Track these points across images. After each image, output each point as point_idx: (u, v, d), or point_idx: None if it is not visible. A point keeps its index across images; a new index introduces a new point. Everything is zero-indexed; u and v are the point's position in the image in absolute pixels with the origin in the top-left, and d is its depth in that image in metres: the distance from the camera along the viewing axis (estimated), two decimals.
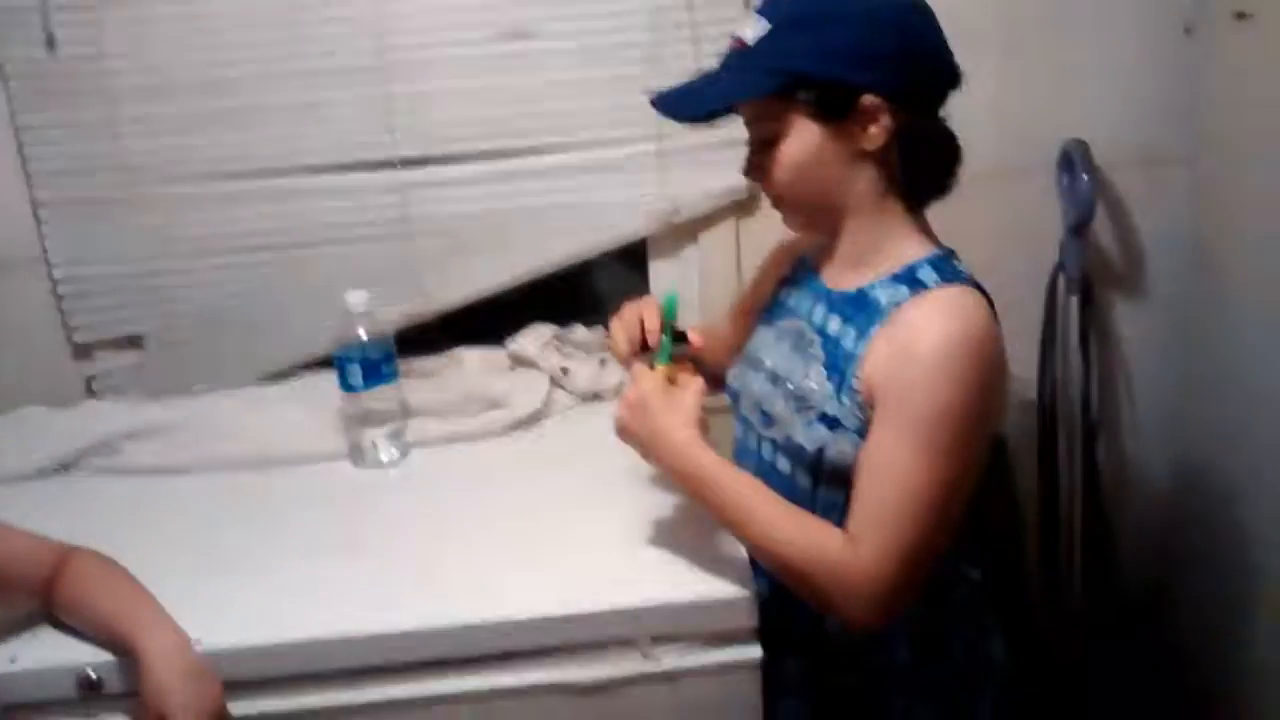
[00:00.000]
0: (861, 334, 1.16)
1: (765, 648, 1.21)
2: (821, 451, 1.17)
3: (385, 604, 1.24)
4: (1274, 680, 1.75)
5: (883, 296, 1.17)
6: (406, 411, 1.64)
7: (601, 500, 1.41)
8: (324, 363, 1.84)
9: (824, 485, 1.20)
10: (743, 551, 1.22)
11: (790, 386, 1.22)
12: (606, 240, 1.85)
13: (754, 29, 1.15)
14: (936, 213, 1.24)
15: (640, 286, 1.92)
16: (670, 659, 1.21)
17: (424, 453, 1.63)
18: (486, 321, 1.91)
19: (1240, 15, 1.71)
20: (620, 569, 1.26)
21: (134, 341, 1.87)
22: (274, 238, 1.83)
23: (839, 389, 1.17)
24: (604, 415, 1.24)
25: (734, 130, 1.25)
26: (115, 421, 1.70)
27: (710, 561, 1.25)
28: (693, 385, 1.21)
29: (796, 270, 1.34)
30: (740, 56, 1.17)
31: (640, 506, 1.34)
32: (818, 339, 1.22)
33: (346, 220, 1.83)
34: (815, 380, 1.20)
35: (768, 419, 1.25)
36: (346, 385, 1.56)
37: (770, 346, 1.30)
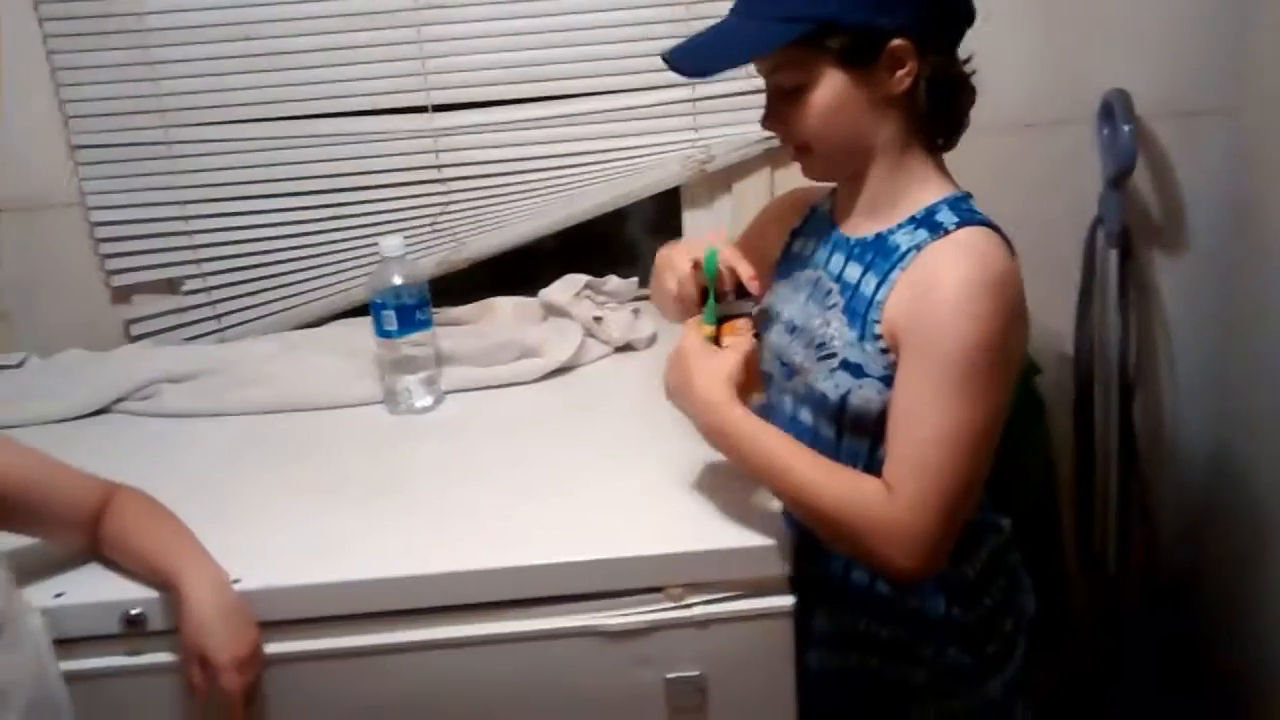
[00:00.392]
0: (882, 279, 1.15)
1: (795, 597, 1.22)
2: (845, 399, 1.17)
3: (418, 547, 1.25)
4: None
5: (902, 240, 1.15)
6: (440, 358, 1.65)
7: (634, 448, 1.41)
8: (359, 309, 1.86)
9: (848, 434, 1.19)
10: (775, 500, 1.22)
11: (810, 337, 1.22)
12: (640, 188, 1.84)
13: None
14: (976, 165, 1.22)
15: (673, 236, 1.91)
16: (701, 606, 1.21)
17: (458, 399, 1.64)
18: (519, 271, 1.92)
19: None
20: (653, 516, 1.27)
21: (171, 285, 1.89)
22: (308, 183, 1.83)
23: (861, 335, 1.16)
24: (637, 364, 1.24)
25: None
26: (153, 365, 1.72)
27: (743, 509, 1.25)
28: (739, 345, 1.20)
29: (809, 220, 1.33)
30: (755, 2, 1.14)
31: (673, 454, 1.35)
32: (836, 286, 1.21)
33: (380, 166, 1.83)
34: (835, 328, 1.19)
35: (789, 370, 1.25)
36: (382, 331, 1.57)
37: (787, 298, 1.28)
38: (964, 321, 1.08)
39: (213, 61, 1.78)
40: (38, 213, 1.85)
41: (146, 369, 1.71)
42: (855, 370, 1.16)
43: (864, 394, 1.16)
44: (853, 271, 1.20)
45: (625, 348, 1.75)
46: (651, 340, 1.75)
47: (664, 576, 1.21)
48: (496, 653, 1.22)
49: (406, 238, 1.58)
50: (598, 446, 1.43)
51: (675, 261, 1.24)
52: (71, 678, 1.16)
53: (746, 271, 1.20)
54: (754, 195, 1.86)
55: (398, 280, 1.55)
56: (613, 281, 1.81)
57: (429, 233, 1.85)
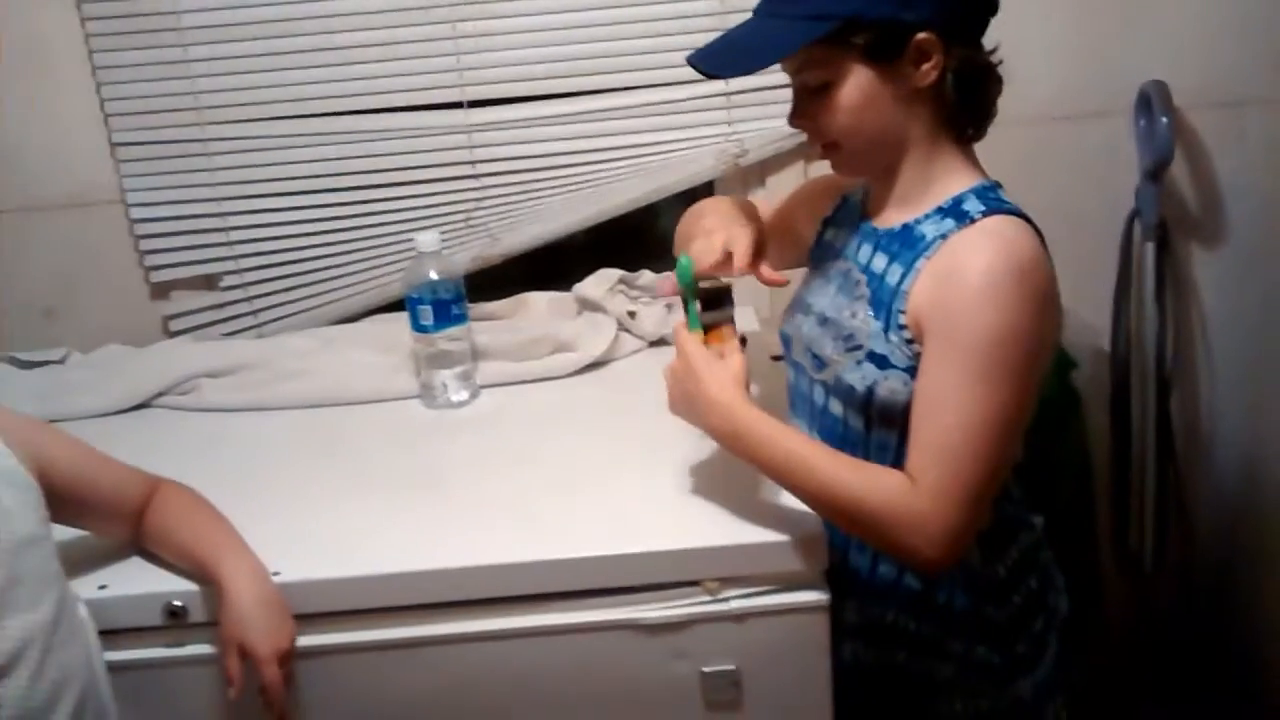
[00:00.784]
0: (907, 268, 1.15)
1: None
2: (871, 391, 1.17)
3: (454, 541, 1.26)
4: None
5: (929, 230, 1.15)
6: (476, 353, 1.66)
7: (669, 442, 1.41)
8: (394, 305, 1.87)
9: (876, 426, 1.19)
10: None
11: (838, 328, 1.22)
12: (674, 183, 1.85)
13: None
14: (1011, 157, 1.22)
15: None
16: (738, 600, 1.22)
17: (493, 393, 1.65)
18: (552, 266, 1.93)
19: None
20: (688, 510, 1.27)
21: (209, 281, 1.91)
22: (344, 179, 1.85)
23: (886, 326, 1.15)
24: (671, 359, 1.25)
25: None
26: (192, 360, 1.74)
27: (779, 503, 1.25)
28: (732, 350, 1.21)
29: (840, 211, 1.33)
30: (779, 1, 1.14)
31: (708, 448, 1.34)
32: (864, 278, 1.21)
33: (416, 162, 1.84)
34: (862, 319, 1.18)
35: (819, 362, 1.24)
36: (418, 326, 1.58)
37: (818, 289, 1.29)
38: (988, 309, 1.07)
39: (249, 59, 1.80)
40: (79, 210, 1.87)
41: (186, 364, 1.73)
42: (881, 361, 1.16)
43: (890, 385, 1.15)
44: (879, 262, 1.19)
45: (659, 342, 1.75)
46: None
47: (700, 570, 1.21)
48: (532, 646, 1.23)
49: (441, 233, 1.60)
50: (632, 440, 1.43)
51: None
52: (114, 668, 1.18)
53: (739, 260, 1.21)
54: (787, 189, 1.83)
55: (434, 275, 1.56)
56: (646, 276, 1.82)
57: (463, 228, 1.86)
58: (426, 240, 1.56)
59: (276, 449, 1.55)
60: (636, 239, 1.92)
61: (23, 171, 1.86)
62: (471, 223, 1.86)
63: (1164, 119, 1.75)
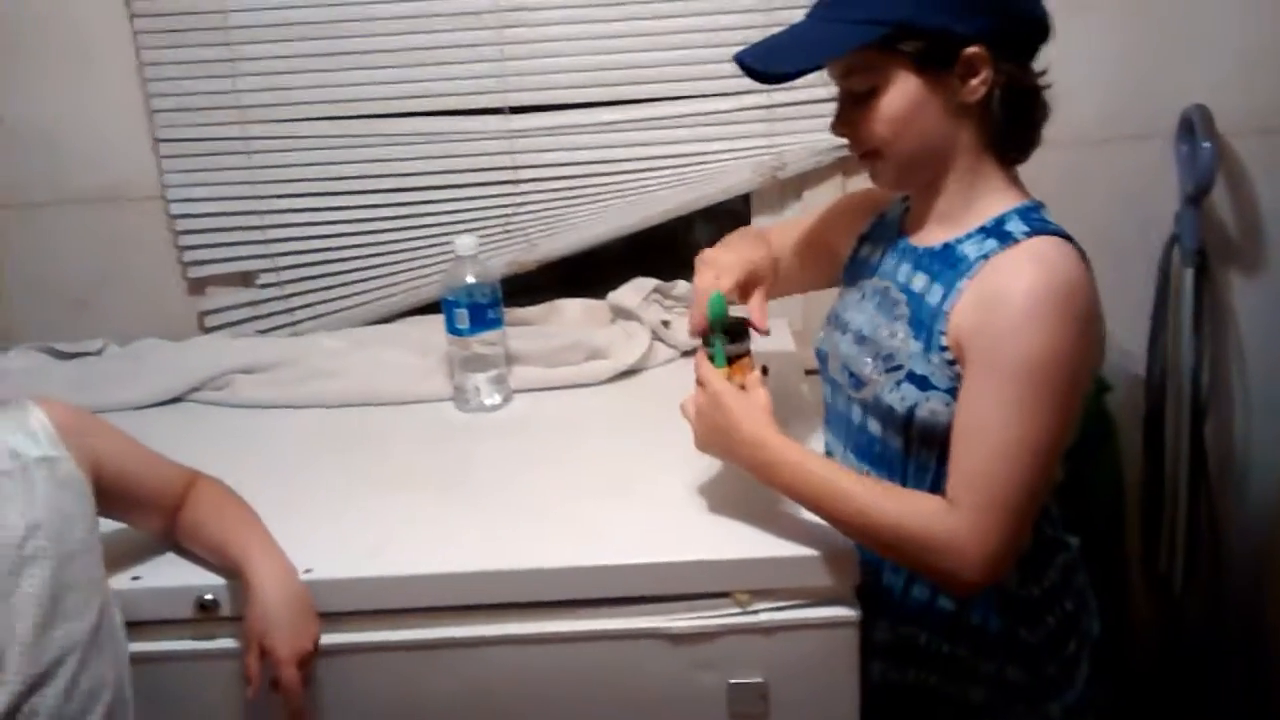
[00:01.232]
0: (949, 289, 1.14)
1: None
2: (912, 412, 1.16)
3: (484, 543, 1.26)
4: None
5: (970, 250, 1.14)
6: (510, 357, 1.66)
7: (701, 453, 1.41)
8: (428, 308, 1.88)
9: (916, 447, 1.18)
10: None
11: (877, 347, 1.21)
12: (711, 194, 1.85)
13: None
14: (1052, 179, 1.21)
15: None
16: (767, 613, 1.21)
17: (525, 398, 1.66)
18: (587, 273, 1.93)
19: None
20: (720, 520, 1.27)
21: (246, 279, 1.92)
22: (383, 181, 1.86)
23: (927, 346, 1.15)
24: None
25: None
26: (226, 356, 1.75)
27: (811, 518, 1.23)
28: (755, 382, 1.22)
29: (876, 227, 1.32)
30: (830, 6, 1.14)
31: None
32: (903, 297, 1.20)
33: (455, 166, 1.85)
34: (901, 339, 1.17)
35: (856, 381, 1.24)
36: (453, 328, 1.58)
37: (855, 307, 1.28)
38: (1030, 333, 1.06)
39: (293, 59, 1.81)
40: (119, 203, 1.89)
41: (221, 359, 1.74)
42: (921, 383, 1.15)
43: (931, 407, 1.14)
44: (919, 281, 1.18)
45: (693, 352, 1.75)
46: None
47: (730, 582, 1.21)
48: (558, 651, 1.23)
49: (479, 237, 1.60)
50: (664, 449, 1.42)
51: (698, 287, 1.28)
52: (142, 660, 1.18)
53: (759, 318, 1.24)
54: (824, 203, 1.84)
55: (471, 279, 1.56)
56: (681, 286, 1.82)
57: (501, 233, 1.87)
58: (465, 244, 1.57)
59: (309, 447, 1.55)
60: (672, 249, 1.92)
61: (65, 164, 1.87)
62: (509, 228, 1.87)
63: (1206, 144, 1.74)
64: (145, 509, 1.23)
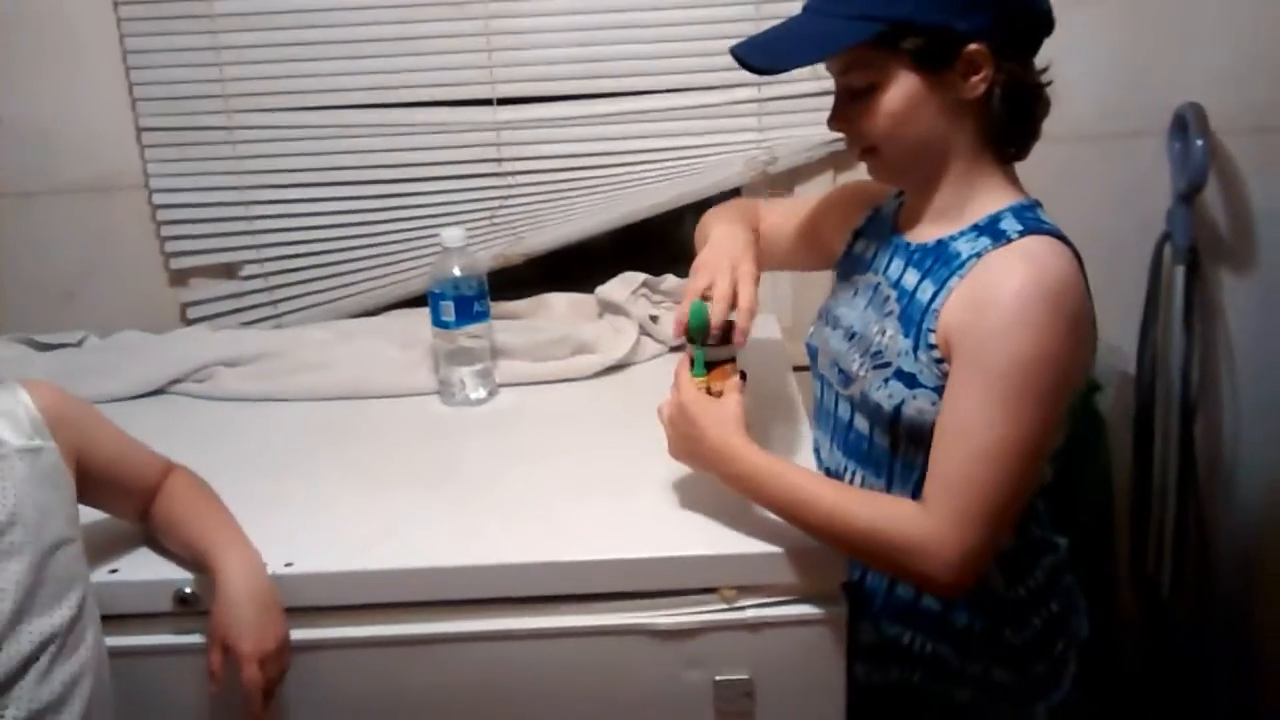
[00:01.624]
0: (939, 287, 1.13)
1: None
2: (898, 410, 1.15)
3: (468, 538, 1.25)
4: None
5: (963, 248, 1.13)
6: (496, 351, 1.65)
7: None
8: (413, 301, 1.86)
9: (903, 445, 1.17)
10: None
11: (866, 344, 1.20)
12: (701, 188, 1.83)
13: None
14: (1044, 175, 1.20)
15: None
16: (754, 609, 1.20)
17: (511, 392, 1.64)
18: (574, 267, 1.92)
19: None
20: (707, 516, 1.26)
21: (229, 270, 1.91)
22: (369, 172, 1.84)
23: (916, 344, 1.14)
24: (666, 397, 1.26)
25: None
26: (209, 348, 1.74)
27: None
28: (732, 388, 1.22)
29: (871, 222, 1.31)
30: (827, 4, 1.12)
31: None
32: (894, 294, 1.19)
33: (442, 158, 1.84)
34: (891, 336, 1.17)
35: (845, 377, 1.23)
36: (439, 321, 1.57)
37: (847, 303, 1.27)
38: (1017, 334, 1.05)
39: (278, 49, 1.80)
40: (102, 194, 1.87)
41: (203, 351, 1.72)
42: (909, 380, 1.14)
43: (917, 405, 1.13)
44: (910, 278, 1.17)
45: (680, 347, 1.74)
46: None
47: (716, 578, 1.20)
48: (544, 647, 1.22)
49: (466, 229, 1.58)
50: (651, 444, 1.41)
51: (689, 290, 1.26)
52: (121, 654, 1.16)
53: (742, 324, 1.22)
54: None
55: (457, 271, 1.55)
56: (669, 280, 1.81)
57: (488, 226, 1.85)
58: (452, 236, 1.55)
59: (291, 440, 1.54)
60: (660, 243, 1.91)
61: (48, 154, 1.86)
62: (496, 221, 1.85)
63: (1199, 142, 1.74)
64: (121, 497, 1.22)
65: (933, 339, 1.12)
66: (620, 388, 1.66)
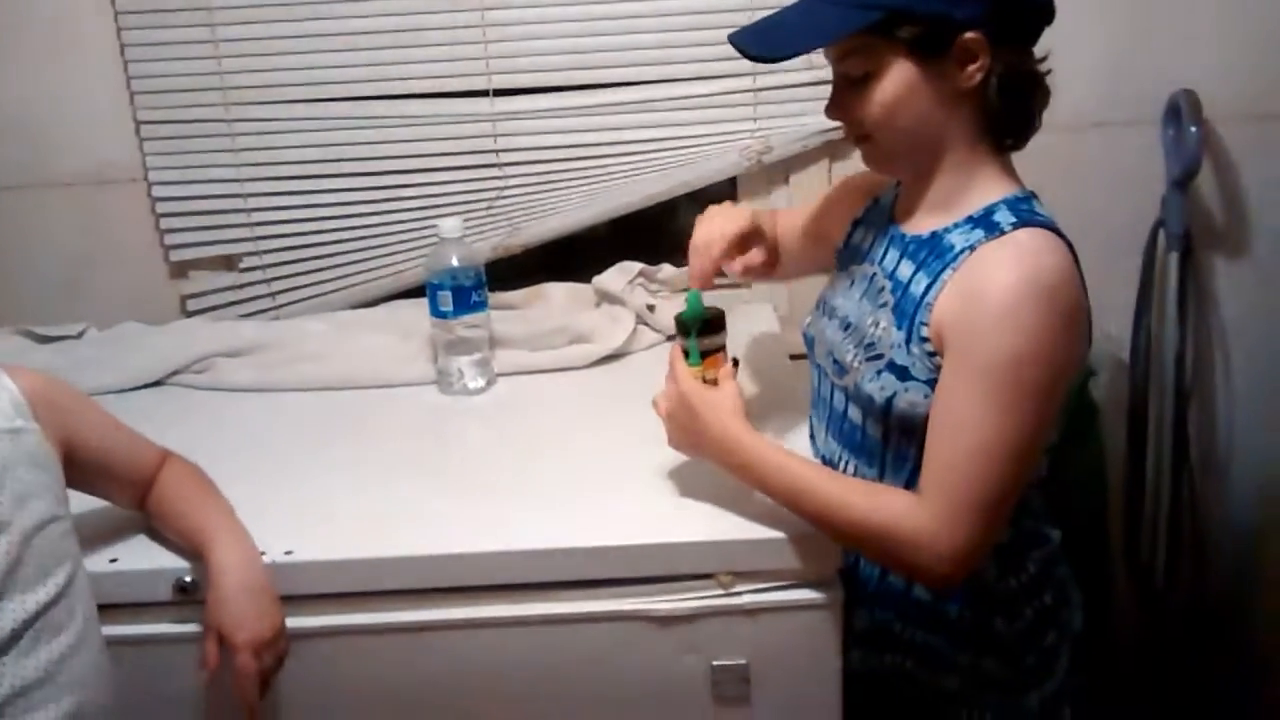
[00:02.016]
0: (933, 279, 1.12)
1: None
2: (890, 401, 1.15)
3: (466, 526, 1.25)
4: None
5: (957, 240, 1.12)
6: (493, 341, 1.65)
7: None
8: (411, 292, 1.87)
9: (895, 437, 1.17)
10: None
11: (861, 334, 1.20)
12: (697, 178, 1.84)
13: None
14: (1037, 164, 1.20)
15: None
16: (750, 595, 1.21)
17: (509, 382, 1.65)
18: (571, 258, 1.92)
19: None
20: (703, 502, 1.26)
21: (228, 262, 1.91)
22: (367, 164, 1.85)
23: (909, 337, 1.13)
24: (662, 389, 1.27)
25: (830, 70, 1.19)
26: (208, 339, 1.74)
27: None
28: (726, 376, 1.24)
29: (870, 212, 1.30)
30: None
31: None
32: (888, 285, 1.18)
33: (439, 149, 1.84)
34: (884, 328, 1.17)
35: (840, 367, 1.23)
36: (437, 311, 1.58)
37: (844, 293, 1.27)
38: (1009, 328, 1.05)
39: (277, 40, 1.80)
40: (102, 187, 1.87)
41: (202, 343, 1.73)
42: (901, 373, 1.14)
43: (909, 398, 1.13)
44: (905, 270, 1.17)
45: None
46: None
47: (713, 564, 1.21)
48: (541, 634, 1.22)
49: (462, 220, 1.59)
50: (648, 432, 1.41)
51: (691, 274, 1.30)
52: (121, 642, 1.17)
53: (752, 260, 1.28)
54: (811, 187, 1.85)
55: (455, 261, 1.56)
56: (666, 270, 1.82)
57: (484, 217, 1.86)
58: (449, 226, 1.56)
59: (290, 430, 1.54)
60: (657, 232, 1.91)
61: (46, 147, 1.86)
62: (493, 211, 1.86)
63: (1193, 129, 1.74)
64: (115, 484, 1.22)
65: (925, 332, 1.12)
66: (617, 376, 1.67)
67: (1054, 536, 1.28)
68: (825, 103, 1.18)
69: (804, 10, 1.14)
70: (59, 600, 1.06)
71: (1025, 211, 1.12)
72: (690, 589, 1.21)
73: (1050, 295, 1.05)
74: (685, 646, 1.22)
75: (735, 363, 1.27)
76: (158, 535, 1.25)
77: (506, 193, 1.85)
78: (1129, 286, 1.89)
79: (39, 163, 1.87)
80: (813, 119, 1.78)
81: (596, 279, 1.82)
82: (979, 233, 1.11)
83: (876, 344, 1.17)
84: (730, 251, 1.30)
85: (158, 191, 1.86)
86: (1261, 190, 1.85)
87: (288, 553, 1.20)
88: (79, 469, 1.15)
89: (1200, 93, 1.77)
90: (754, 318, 1.76)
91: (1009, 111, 1.12)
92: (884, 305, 1.18)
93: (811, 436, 1.35)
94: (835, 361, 1.24)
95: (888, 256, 1.21)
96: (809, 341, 1.34)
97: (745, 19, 1.71)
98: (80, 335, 1.82)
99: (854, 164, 1.80)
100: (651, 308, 1.75)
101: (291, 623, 1.18)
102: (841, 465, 1.25)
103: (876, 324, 1.18)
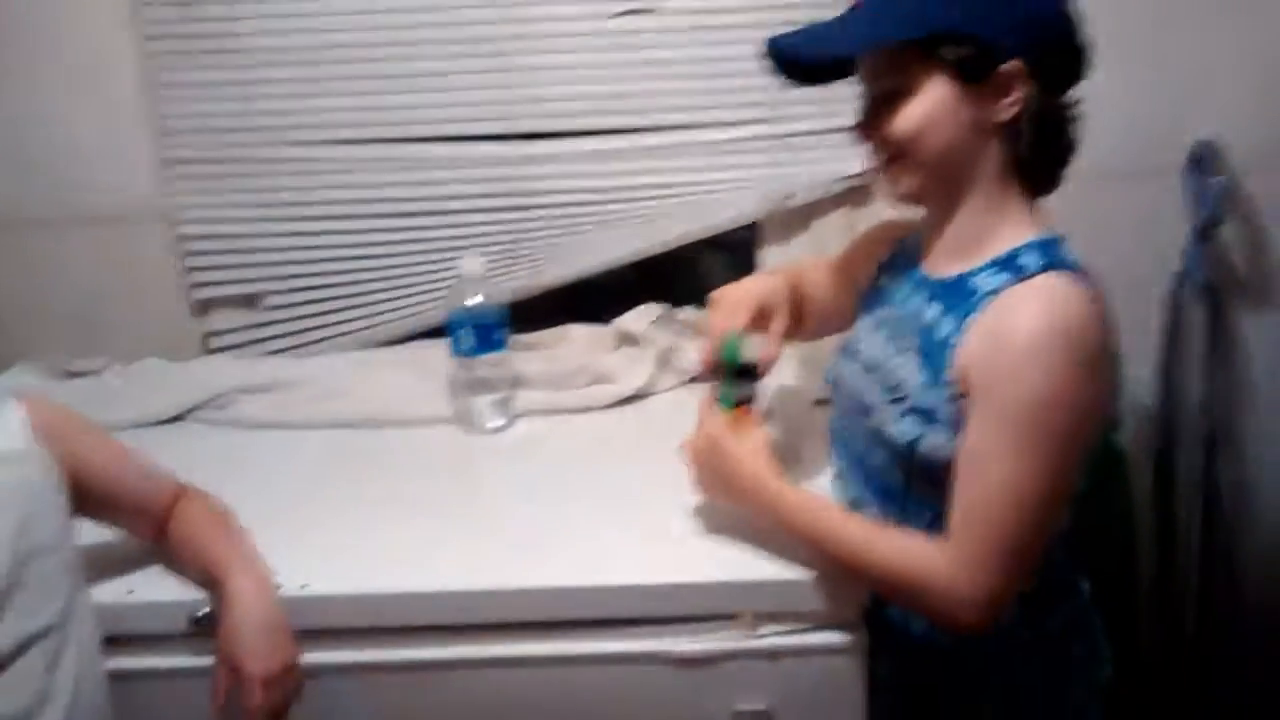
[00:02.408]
0: (959, 322, 1.11)
1: None
2: (913, 445, 1.14)
3: (485, 563, 1.25)
4: None
5: (983, 283, 1.11)
6: (515, 380, 1.65)
7: None
8: (433, 332, 1.87)
9: (916, 481, 1.16)
10: None
11: (885, 377, 1.19)
12: (718, 222, 1.84)
13: None
14: (1058, 211, 1.18)
15: (749, 270, 1.91)
16: (773, 637, 1.19)
17: (529, 422, 1.65)
18: (593, 300, 1.92)
19: None
20: (725, 543, 1.25)
21: (251, 301, 1.91)
22: (392, 205, 1.85)
23: (933, 380, 1.13)
24: (690, 434, 1.27)
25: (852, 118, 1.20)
26: (230, 376, 1.75)
27: None
28: (758, 427, 1.25)
29: (897, 257, 1.30)
30: (873, 5, 1.12)
31: None
32: (914, 327, 1.18)
33: (463, 191, 1.85)
34: (909, 371, 1.16)
35: (864, 409, 1.22)
36: (458, 350, 1.58)
37: (868, 336, 1.26)
38: (1032, 374, 1.04)
39: (304, 83, 1.82)
40: (126, 224, 1.88)
41: (223, 379, 1.73)
42: (926, 416, 1.13)
43: (933, 441, 1.12)
44: (931, 313, 1.16)
45: (697, 378, 1.74)
46: None
47: (735, 604, 1.20)
48: (561, 673, 1.21)
49: (483, 258, 1.60)
50: (669, 473, 1.41)
51: (711, 325, 1.31)
52: (134, 676, 1.17)
53: (770, 355, 1.27)
54: (832, 234, 1.85)
55: (476, 300, 1.56)
56: (688, 312, 1.81)
57: (507, 258, 1.86)
58: (471, 266, 1.57)
59: (309, 466, 1.54)
60: (679, 275, 1.91)
61: (72, 182, 1.87)
62: (515, 254, 1.86)
63: (1214, 179, 1.74)
64: (130, 516, 1.22)
65: (950, 375, 1.11)
66: (638, 418, 1.66)
67: (1084, 588, 1.26)
68: (852, 151, 1.18)
69: (850, 19, 1.13)
70: (49, 634, 1.05)
71: (1053, 255, 1.11)
72: (711, 630, 1.20)
73: (1075, 340, 1.04)
74: (705, 690, 1.20)
75: (767, 415, 1.27)
76: (174, 567, 1.24)
77: (529, 234, 1.86)
78: (1153, 336, 1.88)
79: (64, 198, 1.88)
80: (835, 165, 1.79)
81: (617, 320, 1.82)
82: (1005, 276, 1.10)
83: (901, 386, 1.16)
84: (752, 313, 1.30)
85: (182, 229, 1.87)
86: None
87: (303, 586, 1.19)
88: (88, 498, 1.15)
89: (1222, 143, 1.77)
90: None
91: (1041, 150, 1.12)
92: (909, 349, 1.17)
93: (835, 479, 1.34)
94: (858, 404, 1.23)
95: (913, 300, 1.20)
96: (832, 383, 1.33)
97: (770, 66, 1.74)
98: (101, 371, 1.82)
99: (875, 212, 1.81)
100: (673, 350, 1.75)
101: (307, 658, 1.17)
102: (866, 508, 1.24)
103: (901, 367, 1.17)
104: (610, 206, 1.84)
